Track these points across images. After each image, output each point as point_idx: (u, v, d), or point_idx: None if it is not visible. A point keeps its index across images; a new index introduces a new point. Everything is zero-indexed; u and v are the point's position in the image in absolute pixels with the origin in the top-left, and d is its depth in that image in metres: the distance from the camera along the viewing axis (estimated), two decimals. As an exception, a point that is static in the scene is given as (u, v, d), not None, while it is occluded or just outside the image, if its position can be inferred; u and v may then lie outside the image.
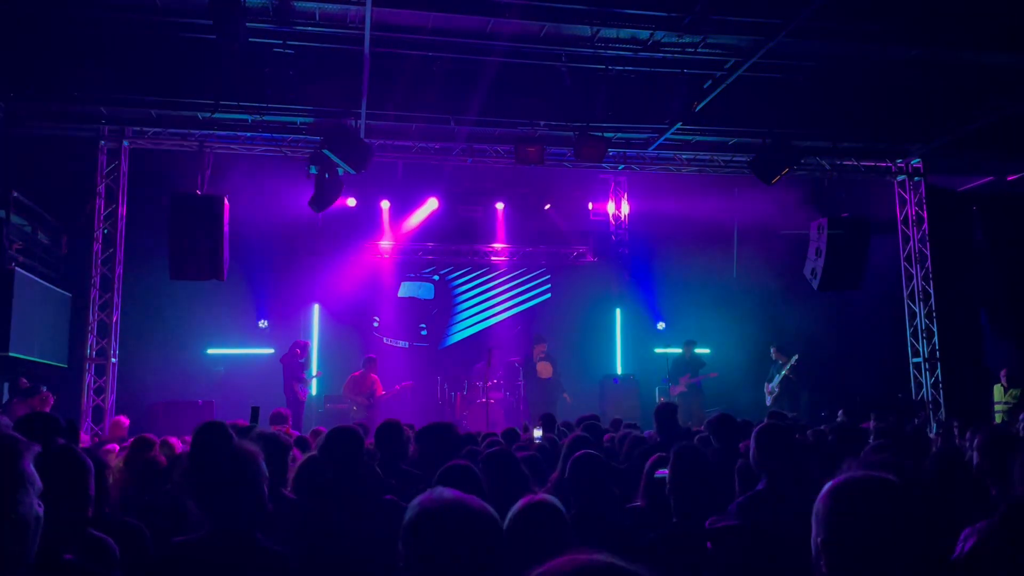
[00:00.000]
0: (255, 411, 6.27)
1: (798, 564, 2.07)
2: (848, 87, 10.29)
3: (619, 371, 14.57)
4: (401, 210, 14.16)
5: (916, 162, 12.55)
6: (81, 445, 4.99)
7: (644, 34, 8.86)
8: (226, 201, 9.96)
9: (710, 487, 3.48)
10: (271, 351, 12.96)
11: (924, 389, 12.30)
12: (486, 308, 15.19)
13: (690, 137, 11.25)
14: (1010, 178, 12.97)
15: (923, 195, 12.56)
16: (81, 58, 9.16)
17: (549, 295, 15.23)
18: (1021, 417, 6.92)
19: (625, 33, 8.83)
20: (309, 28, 8.75)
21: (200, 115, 10.33)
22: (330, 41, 9.01)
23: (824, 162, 11.99)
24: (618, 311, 15.08)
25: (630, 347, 14.92)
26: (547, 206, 14.55)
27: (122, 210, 10.71)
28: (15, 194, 9.99)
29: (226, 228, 9.88)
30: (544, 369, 12.57)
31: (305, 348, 12.13)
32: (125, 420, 8.80)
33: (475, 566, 1.75)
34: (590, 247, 15.08)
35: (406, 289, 14.85)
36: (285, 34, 8.92)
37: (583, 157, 10.40)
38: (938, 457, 3.75)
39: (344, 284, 13.96)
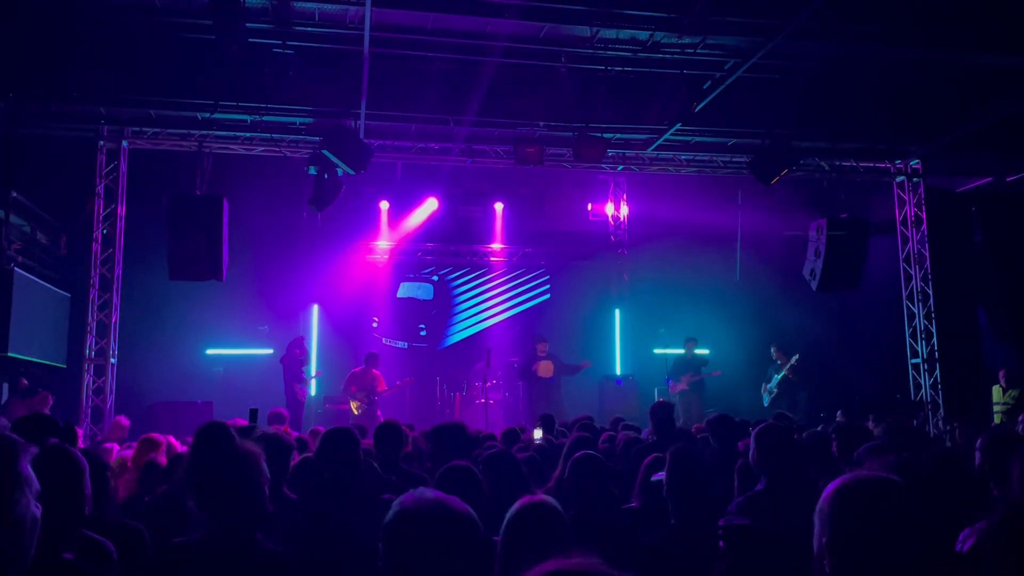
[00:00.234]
0: (253, 413, 6.28)
1: (798, 564, 2.07)
2: (847, 88, 10.30)
3: (618, 372, 14.57)
4: (400, 210, 14.17)
5: (915, 163, 12.55)
6: (80, 445, 4.99)
7: (644, 35, 8.86)
8: (225, 201, 9.95)
9: (708, 488, 3.48)
10: (270, 351, 12.96)
11: (923, 390, 12.30)
12: (485, 309, 15.20)
13: (689, 138, 11.25)
14: (1009, 179, 12.96)
15: (922, 196, 12.57)
16: (81, 58, 9.16)
17: (548, 295, 15.23)
18: (1021, 418, 6.91)
19: (625, 34, 8.83)
20: (308, 28, 8.74)
21: (199, 115, 10.32)
22: (329, 41, 9.00)
23: (823, 163, 11.99)
24: (617, 312, 15.08)
25: (629, 348, 14.92)
26: (546, 207, 14.55)
27: (121, 210, 10.69)
28: (14, 194, 9.99)
29: (225, 228, 9.86)
30: (545, 368, 12.56)
31: (302, 345, 12.10)
32: (125, 420, 8.78)
33: (452, 568, 1.74)
34: (589, 248, 15.08)
35: (405, 290, 14.85)
36: (284, 34, 8.91)
37: (582, 158, 10.40)
38: (939, 457, 3.75)
39: (343, 285, 13.96)
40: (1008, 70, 9.52)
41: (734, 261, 14.81)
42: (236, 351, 13.30)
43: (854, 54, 9.36)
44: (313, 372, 12.62)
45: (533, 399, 12.43)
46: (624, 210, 15.28)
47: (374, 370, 11.95)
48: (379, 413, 11.32)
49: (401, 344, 14.58)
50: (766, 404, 12.29)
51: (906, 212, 12.67)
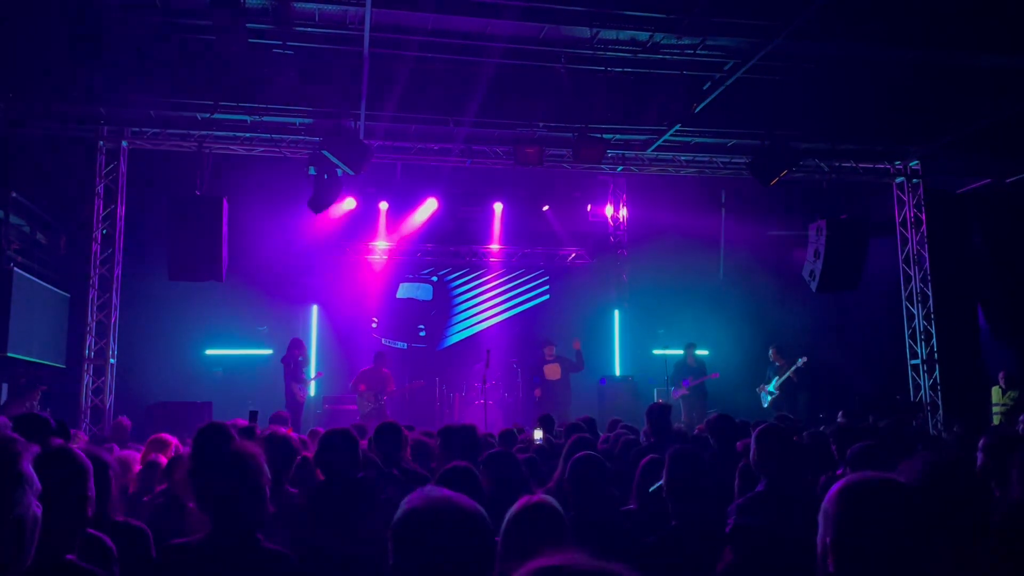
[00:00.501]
0: (253, 415, 6.27)
1: (798, 564, 2.07)
2: (846, 89, 10.30)
3: (618, 372, 14.56)
4: (400, 211, 14.15)
5: (914, 164, 12.56)
6: (79, 445, 4.98)
7: (643, 36, 8.87)
8: (225, 202, 9.95)
9: (708, 489, 3.48)
10: (270, 352, 12.95)
11: (923, 391, 12.31)
12: (484, 309, 15.19)
13: (689, 139, 11.25)
14: (1008, 180, 12.97)
15: (921, 197, 12.58)
16: (81, 58, 9.14)
17: (547, 296, 15.23)
18: (1021, 419, 6.92)
19: (624, 35, 8.84)
20: (308, 29, 8.74)
21: (199, 116, 10.32)
22: (329, 42, 9.00)
23: (823, 164, 12.00)
24: (616, 313, 15.08)
25: (629, 349, 14.92)
26: (545, 207, 14.55)
27: (121, 210, 10.69)
28: (14, 194, 9.99)
29: (225, 229, 9.86)
30: (552, 371, 12.57)
31: (301, 346, 12.07)
32: (127, 421, 8.78)
33: (463, 566, 1.74)
34: (588, 249, 15.08)
35: (404, 290, 14.85)
36: (284, 35, 8.91)
37: (582, 158, 10.40)
38: (940, 457, 3.75)
39: (342, 285, 13.95)
40: (1008, 70, 9.52)
41: (734, 262, 14.82)
42: (236, 351, 13.29)
43: (854, 55, 9.36)
44: (313, 373, 12.60)
45: (543, 401, 12.43)
46: (623, 211, 15.29)
47: (384, 369, 11.85)
48: (388, 413, 11.24)
49: (400, 344, 14.57)
50: (765, 405, 12.28)
51: (905, 213, 12.68)
